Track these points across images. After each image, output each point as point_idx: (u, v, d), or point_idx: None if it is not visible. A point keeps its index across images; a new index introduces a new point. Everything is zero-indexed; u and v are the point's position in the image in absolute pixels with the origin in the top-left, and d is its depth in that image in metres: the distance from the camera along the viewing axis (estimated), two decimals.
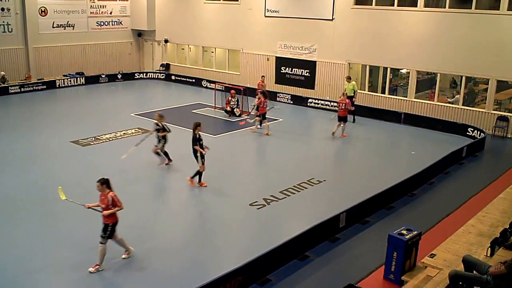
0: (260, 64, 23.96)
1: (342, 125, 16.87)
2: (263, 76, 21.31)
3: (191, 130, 11.89)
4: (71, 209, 10.69)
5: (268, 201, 11.32)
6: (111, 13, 27.64)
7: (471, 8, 17.60)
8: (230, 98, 19.61)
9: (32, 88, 23.45)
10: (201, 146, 11.83)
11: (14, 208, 10.80)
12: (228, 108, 19.51)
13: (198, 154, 11.81)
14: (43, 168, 13.37)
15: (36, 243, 9.31)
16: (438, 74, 19.04)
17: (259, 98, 17.12)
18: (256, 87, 20.45)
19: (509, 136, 17.42)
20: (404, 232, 7.93)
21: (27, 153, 14.60)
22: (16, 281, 8.11)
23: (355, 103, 18.63)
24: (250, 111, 19.62)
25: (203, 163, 11.88)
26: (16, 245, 9.24)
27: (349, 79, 19.29)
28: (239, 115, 19.40)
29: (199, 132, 11.85)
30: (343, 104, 16.68)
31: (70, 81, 24.90)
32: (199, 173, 12.02)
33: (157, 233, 9.89)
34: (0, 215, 10.45)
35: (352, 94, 18.85)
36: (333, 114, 18.52)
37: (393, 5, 19.55)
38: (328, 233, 9.59)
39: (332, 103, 20.63)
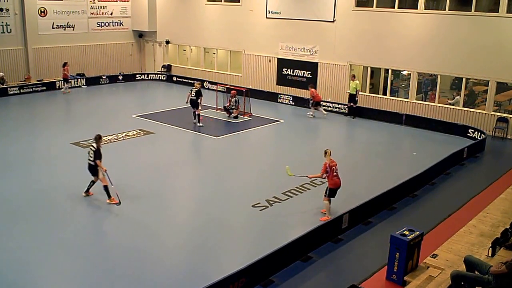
0: (262, 66, 24.02)
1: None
2: None
3: (95, 142, 10.91)
4: (72, 212, 10.78)
5: (271, 202, 11.35)
6: (111, 14, 27.65)
7: (471, 11, 17.68)
8: (230, 98, 19.68)
9: (31, 89, 23.34)
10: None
11: (14, 211, 10.71)
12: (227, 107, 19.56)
13: (98, 169, 10.92)
14: (44, 170, 13.32)
15: (36, 247, 9.21)
16: (439, 76, 19.10)
17: None
18: None
19: (509, 137, 17.48)
20: (406, 232, 7.97)
21: (27, 155, 14.53)
22: (15, 285, 8.01)
23: (357, 101, 19.79)
24: (251, 112, 19.75)
25: (103, 175, 10.89)
26: (15, 248, 9.12)
27: (353, 77, 19.66)
28: (236, 116, 19.36)
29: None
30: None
31: (70, 82, 24.85)
32: (106, 188, 10.89)
33: (159, 234, 9.90)
34: None
35: (354, 93, 19.55)
36: None
37: (393, 7, 19.63)
38: (331, 234, 9.65)
39: (333, 104, 20.81)
